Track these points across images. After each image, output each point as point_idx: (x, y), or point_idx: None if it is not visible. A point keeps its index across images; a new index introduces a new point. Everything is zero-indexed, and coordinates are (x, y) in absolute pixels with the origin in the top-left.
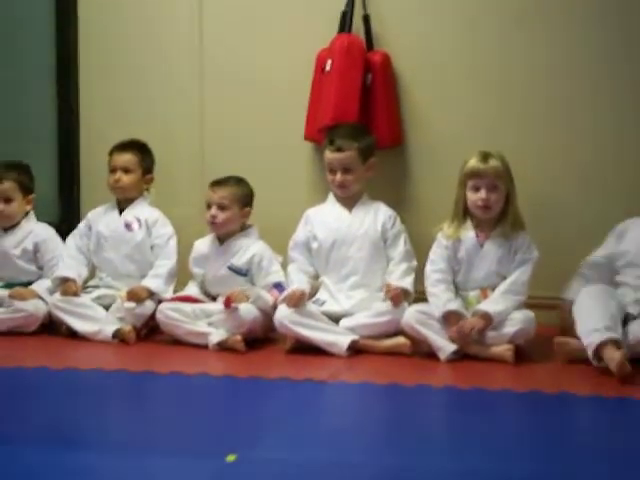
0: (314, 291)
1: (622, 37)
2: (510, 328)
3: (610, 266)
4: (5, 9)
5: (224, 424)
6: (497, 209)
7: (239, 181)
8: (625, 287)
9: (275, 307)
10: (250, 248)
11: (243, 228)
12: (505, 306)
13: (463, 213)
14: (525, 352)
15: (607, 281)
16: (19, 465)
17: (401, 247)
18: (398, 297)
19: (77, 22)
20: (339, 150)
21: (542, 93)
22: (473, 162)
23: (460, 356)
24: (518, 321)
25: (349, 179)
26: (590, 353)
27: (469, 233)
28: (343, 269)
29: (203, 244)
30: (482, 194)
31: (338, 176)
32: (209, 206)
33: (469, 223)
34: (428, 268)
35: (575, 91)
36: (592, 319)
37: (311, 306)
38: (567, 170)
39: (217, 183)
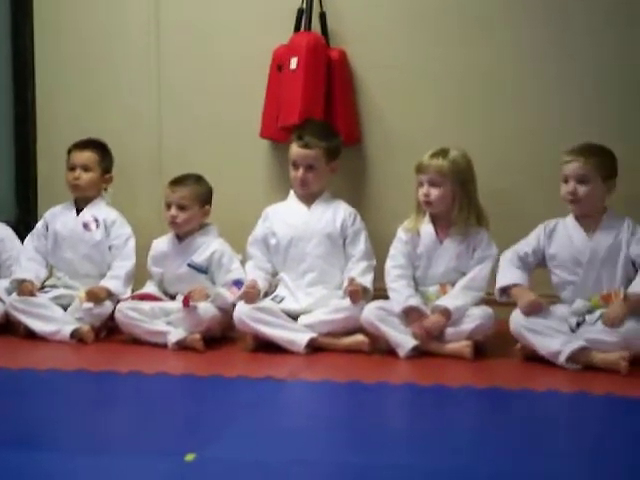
0: (272, 288)
1: (583, 34)
2: (469, 324)
3: (535, 260)
4: None
5: (183, 423)
6: (441, 205)
7: (198, 179)
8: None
9: (234, 305)
10: (210, 245)
11: (202, 226)
12: (464, 301)
13: (419, 208)
14: (484, 348)
15: (529, 274)
16: None
17: (361, 245)
18: (357, 293)
19: (32, 23)
20: (306, 147)
21: (503, 88)
22: (422, 158)
23: (419, 352)
24: (477, 317)
25: (310, 177)
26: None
27: (427, 228)
28: (301, 266)
29: (162, 243)
30: (423, 189)
31: (300, 172)
32: (169, 206)
33: (427, 218)
34: (388, 264)
35: (539, 87)
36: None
37: (270, 303)
38: (528, 167)
39: (176, 182)
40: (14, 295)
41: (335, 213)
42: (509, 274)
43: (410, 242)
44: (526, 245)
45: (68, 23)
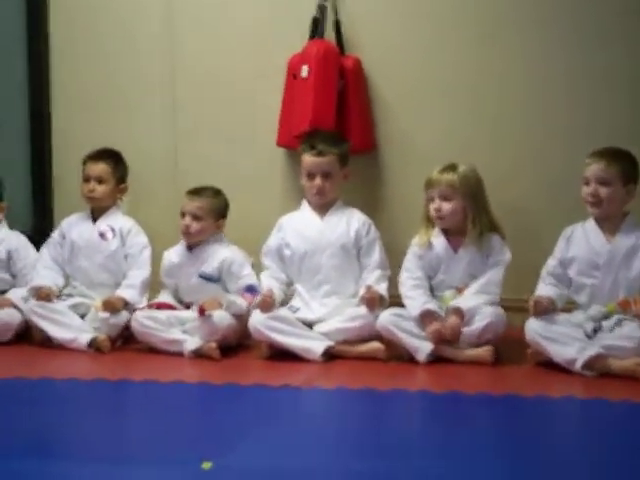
0: (288, 298)
1: (595, 49)
2: (480, 322)
3: (565, 269)
4: None
5: (200, 431)
6: (453, 219)
7: (216, 193)
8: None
9: (249, 311)
10: (219, 254)
11: (212, 236)
12: (477, 302)
13: (428, 221)
14: (500, 354)
15: (566, 285)
16: None
17: (376, 255)
18: (374, 300)
19: (48, 36)
20: (320, 154)
21: (515, 100)
22: (431, 174)
23: (438, 358)
24: (487, 315)
25: (327, 185)
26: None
27: (439, 240)
28: (316, 277)
29: (172, 254)
30: (435, 204)
31: (317, 181)
32: (183, 215)
33: (437, 230)
34: (404, 275)
35: (548, 101)
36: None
37: (285, 312)
38: (539, 178)
39: (194, 192)
40: (33, 300)
41: (349, 223)
42: (540, 290)
43: (424, 255)
44: (552, 259)
45: (84, 36)
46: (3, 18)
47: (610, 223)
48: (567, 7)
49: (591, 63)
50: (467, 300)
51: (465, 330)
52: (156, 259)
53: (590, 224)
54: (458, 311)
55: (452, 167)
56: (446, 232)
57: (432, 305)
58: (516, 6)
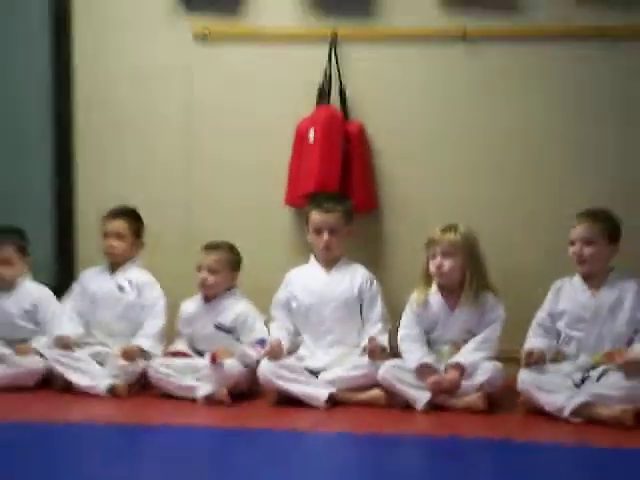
0: (294, 347)
1: (589, 125)
2: (481, 377)
3: (553, 321)
4: (4, 79)
5: (211, 474)
6: (453, 276)
7: (231, 248)
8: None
9: (259, 361)
10: (235, 307)
11: (227, 288)
12: (476, 358)
13: (426, 279)
14: (495, 401)
15: (554, 336)
16: None
17: (378, 308)
18: (376, 351)
19: (73, 88)
20: (327, 212)
21: (513, 158)
22: (433, 233)
23: (434, 406)
24: (488, 370)
25: (334, 240)
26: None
27: (436, 298)
28: (321, 328)
29: (190, 305)
30: (436, 261)
31: (325, 236)
32: (199, 268)
33: (434, 287)
34: (402, 332)
35: (542, 157)
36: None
37: (292, 360)
38: (531, 238)
39: (210, 247)
40: (56, 349)
41: (353, 278)
42: (530, 341)
43: (422, 313)
44: (542, 311)
45: (107, 86)
46: (30, 82)
47: (595, 279)
48: (568, 84)
49: (584, 136)
50: (467, 356)
51: (467, 383)
52: (170, 309)
53: (576, 280)
54: (458, 366)
55: (454, 227)
56: (442, 290)
57: (429, 359)
58: (517, 75)
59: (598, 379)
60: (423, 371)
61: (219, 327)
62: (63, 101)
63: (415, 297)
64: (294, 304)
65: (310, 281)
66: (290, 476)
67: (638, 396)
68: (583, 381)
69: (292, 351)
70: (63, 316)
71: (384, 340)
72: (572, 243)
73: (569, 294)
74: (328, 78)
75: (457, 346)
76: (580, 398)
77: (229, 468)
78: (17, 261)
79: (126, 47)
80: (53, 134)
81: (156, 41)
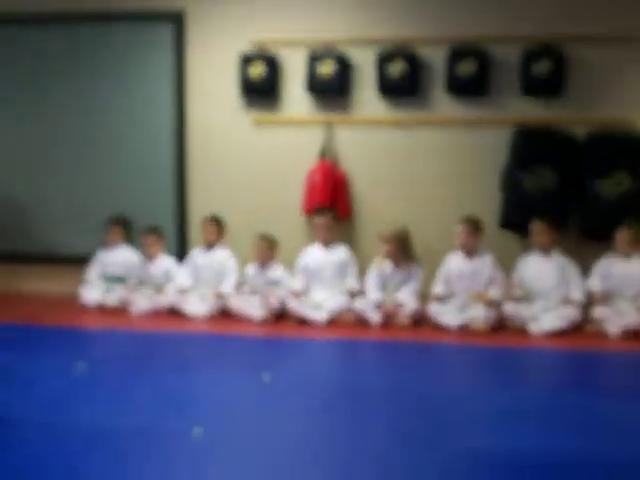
0: (307, 290)
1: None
2: (410, 307)
3: (449, 279)
4: (143, 128)
5: (262, 352)
6: (392, 256)
7: (269, 238)
8: None
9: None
10: (278, 269)
11: (270, 257)
12: (407, 296)
13: (383, 257)
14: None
15: (452, 287)
16: None
17: (353, 269)
18: (353, 292)
19: (186, 136)
20: (323, 216)
21: (430, 196)
22: (382, 232)
23: (385, 323)
24: (413, 303)
25: (328, 233)
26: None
27: (387, 265)
28: (321, 280)
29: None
30: (385, 248)
31: (323, 231)
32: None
33: (385, 259)
34: (369, 282)
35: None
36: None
37: (305, 299)
38: (440, 230)
39: (262, 237)
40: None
41: (339, 253)
42: (439, 287)
43: (380, 272)
44: (440, 272)
45: (206, 144)
46: (157, 134)
47: (470, 253)
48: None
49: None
50: (403, 296)
51: (403, 313)
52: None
53: (459, 254)
54: (399, 302)
55: (393, 227)
56: (392, 261)
57: (379, 296)
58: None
59: (472, 307)
60: (378, 303)
61: (270, 282)
62: (180, 144)
63: (376, 263)
64: (307, 267)
65: (315, 255)
66: (307, 353)
67: (491, 318)
68: (464, 309)
69: (305, 293)
70: (182, 274)
71: (357, 285)
72: (459, 235)
73: (458, 262)
74: (325, 145)
75: (398, 289)
76: (461, 319)
77: (282, 348)
78: (157, 243)
79: (217, 120)
80: (175, 166)
81: (233, 121)
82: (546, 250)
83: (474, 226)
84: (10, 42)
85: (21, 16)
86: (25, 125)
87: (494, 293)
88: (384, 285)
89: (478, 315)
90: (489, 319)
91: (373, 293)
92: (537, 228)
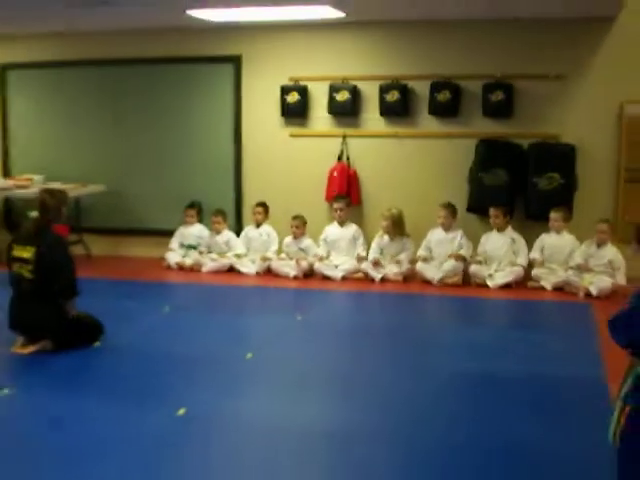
0: (328, 255)
1: None
2: (403, 268)
3: (428, 246)
4: (213, 138)
5: (294, 299)
6: (391, 230)
7: (302, 218)
8: None
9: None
10: (306, 239)
11: (303, 233)
12: (402, 257)
13: (383, 230)
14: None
15: (430, 251)
16: None
17: (361, 241)
18: (361, 259)
19: (242, 143)
20: (340, 201)
21: (420, 177)
22: (385, 212)
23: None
24: (406, 263)
25: (343, 214)
26: None
27: (386, 237)
28: (338, 249)
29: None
30: (384, 224)
31: (340, 213)
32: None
33: (385, 233)
34: (372, 248)
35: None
36: None
37: (327, 261)
38: (424, 213)
39: (296, 218)
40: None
41: (351, 229)
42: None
43: (379, 242)
44: (424, 242)
45: (267, 150)
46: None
47: (447, 228)
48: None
49: None
50: (400, 257)
51: (397, 269)
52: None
53: (439, 229)
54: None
55: (390, 210)
56: (388, 234)
57: (377, 256)
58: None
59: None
60: (375, 261)
61: (301, 249)
62: (238, 150)
63: (377, 236)
64: (327, 240)
65: (334, 230)
66: (328, 300)
67: (460, 270)
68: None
69: (327, 257)
70: (238, 243)
71: (364, 254)
72: (440, 216)
73: (438, 235)
74: (341, 151)
75: (394, 257)
76: (440, 273)
77: (309, 297)
78: (221, 221)
79: (264, 133)
80: (234, 166)
81: (275, 134)
82: (500, 228)
83: (451, 209)
84: (122, 78)
85: (123, 60)
86: (129, 137)
87: (463, 252)
88: (382, 252)
89: (450, 269)
90: (459, 271)
91: (371, 255)
92: (494, 213)
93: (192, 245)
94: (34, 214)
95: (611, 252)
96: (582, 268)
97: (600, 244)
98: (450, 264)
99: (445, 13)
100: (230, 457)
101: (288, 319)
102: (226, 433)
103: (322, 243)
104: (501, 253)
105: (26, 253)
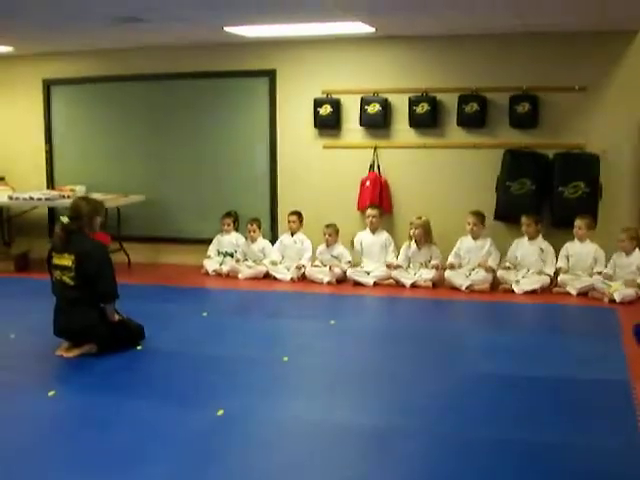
0: (359, 262)
1: None
2: (430, 274)
3: (459, 253)
4: (249, 147)
5: (329, 303)
6: (419, 237)
7: (335, 226)
8: None
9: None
10: (339, 247)
11: (335, 241)
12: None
13: (409, 238)
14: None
15: (460, 258)
16: None
17: (391, 248)
18: (391, 266)
19: (277, 151)
20: (373, 210)
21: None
22: (413, 221)
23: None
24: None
25: (376, 221)
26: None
27: (413, 245)
28: (370, 255)
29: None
30: (413, 230)
31: (372, 220)
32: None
33: (413, 241)
34: (400, 256)
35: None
36: None
37: (358, 268)
38: (450, 220)
39: (329, 225)
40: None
41: (382, 237)
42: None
43: (406, 250)
44: (455, 250)
45: (290, 158)
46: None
47: (477, 237)
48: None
49: None
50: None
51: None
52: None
53: (469, 237)
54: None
55: (420, 217)
56: (416, 243)
57: (399, 261)
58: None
59: (476, 273)
60: (393, 265)
61: (333, 256)
62: (274, 162)
63: (405, 244)
64: (360, 246)
65: (366, 237)
66: (359, 306)
67: (489, 280)
68: (470, 274)
69: (358, 264)
70: (274, 251)
71: (395, 261)
72: (469, 223)
73: (467, 243)
74: (373, 161)
75: (425, 264)
76: (468, 281)
77: (342, 302)
78: (257, 230)
79: (298, 145)
80: (270, 176)
81: (309, 145)
82: (532, 236)
83: (481, 217)
84: (161, 93)
85: (162, 75)
86: (168, 149)
87: (491, 262)
88: (410, 261)
89: (480, 278)
90: (487, 281)
91: (400, 262)
92: (526, 221)
93: (229, 252)
94: (63, 219)
95: (638, 258)
96: (609, 278)
97: (626, 252)
98: (480, 274)
99: (471, 28)
100: (270, 456)
101: (322, 323)
102: (264, 433)
103: (354, 250)
104: (531, 260)
105: (65, 260)
